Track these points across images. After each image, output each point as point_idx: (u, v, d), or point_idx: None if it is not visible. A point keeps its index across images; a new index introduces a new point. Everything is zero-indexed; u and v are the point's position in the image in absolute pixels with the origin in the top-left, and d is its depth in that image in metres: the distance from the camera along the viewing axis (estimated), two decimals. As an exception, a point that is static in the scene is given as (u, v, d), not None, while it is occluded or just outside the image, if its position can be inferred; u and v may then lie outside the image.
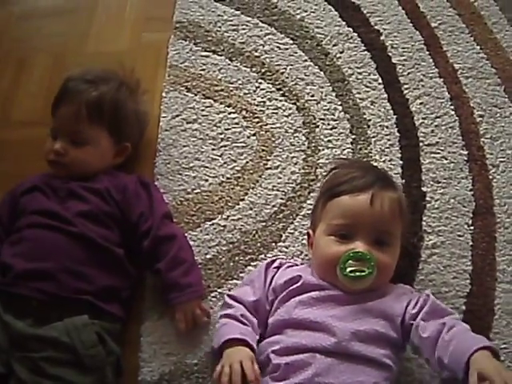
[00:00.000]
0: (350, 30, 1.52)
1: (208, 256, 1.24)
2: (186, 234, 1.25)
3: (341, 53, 1.49)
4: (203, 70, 1.49)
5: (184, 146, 1.38)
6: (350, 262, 1.00)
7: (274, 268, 1.13)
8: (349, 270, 0.99)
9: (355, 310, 0.99)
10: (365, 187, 1.06)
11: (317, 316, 0.98)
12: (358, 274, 0.99)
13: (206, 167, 1.35)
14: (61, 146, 1.25)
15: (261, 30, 1.54)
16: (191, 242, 1.24)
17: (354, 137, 1.36)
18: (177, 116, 1.42)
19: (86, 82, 1.28)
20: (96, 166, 1.27)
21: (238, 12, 1.58)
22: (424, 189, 1.29)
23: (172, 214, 1.27)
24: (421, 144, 1.35)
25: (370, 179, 1.07)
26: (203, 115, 1.42)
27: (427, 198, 1.28)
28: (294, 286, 1.05)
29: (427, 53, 1.48)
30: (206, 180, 1.33)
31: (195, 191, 1.32)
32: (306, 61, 1.48)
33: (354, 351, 0.94)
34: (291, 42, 1.52)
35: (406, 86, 1.43)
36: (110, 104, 1.27)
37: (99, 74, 1.31)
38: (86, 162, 1.26)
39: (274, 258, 1.18)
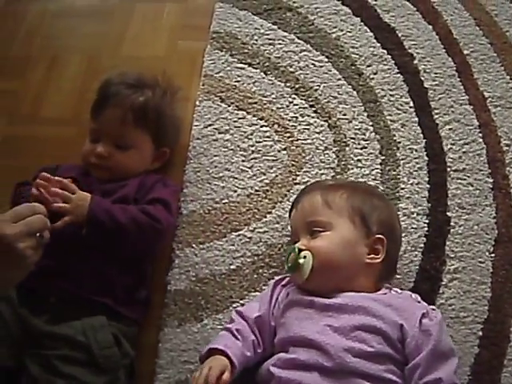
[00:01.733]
0: (385, 52, 1.53)
1: (232, 267, 1.25)
2: (210, 244, 1.27)
3: (374, 74, 1.50)
4: (238, 81, 1.50)
5: (215, 156, 1.39)
6: (288, 259, 1.08)
7: (282, 286, 1.15)
8: (288, 265, 1.08)
9: (348, 322, 0.99)
10: (296, 202, 1.19)
11: (310, 333, 0.99)
12: (290, 264, 1.07)
13: (236, 178, 1.36)
14: (105, 150, 1.26)
15: (296, 46, 1.55)
16: (216, 252, 1.27)
17: (383, 158, 1.37)
18: (209, 125, 1.43)
19: (129, 87, 1.29)
20: (136, 170, 1.28)
21: (274, 26, 1.59)
22: (449, 214, 1.29)
23: (198, 221, 1.30)
24: (448, 169, 1.36)
25: (300, 195, 1.21)
26: (235, 126, 1.43)
27: (451, 223, 1.28)
28: (286, 301, 1.09)
29: (458, 79, 1.49)
30: (235, 191, 1.34)
31: (223, 201, 1.33)
32: (339, 79, 1.49)
33: (351, 367, 0.94)
34: (326, 59, 1.53)
35: (436, 111, 1.44)
36: (155, 110, 1.29)
37: (141, 79, 1.32)
38: (128, 166, 1.27)
39: (284, 275, 1.18)
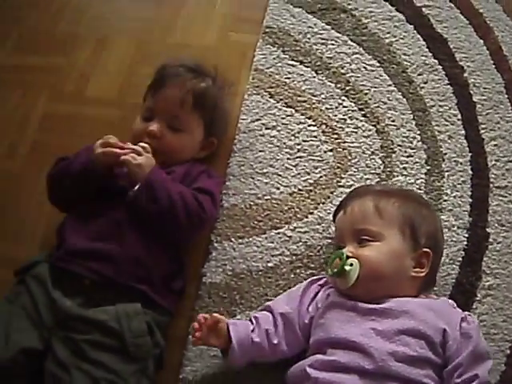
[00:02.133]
0: (436, 62, 1.51)
1: (269, 264, 1.24)
2: (249, 239, 1.26)
3: (424, 83, 1.48)
4: (288, 78, 1.48)
5: (260, 151, 1.38)
6: (333, 263, 1.06)
7: (319, 285, 1.14)
8: (332, 270, 1.06)
9: (392, 326, 0.99)
10: (344, 204, 1.16)
11: (353, 335, 0.98)
12: (335, 270, 1.04)
13: (280, 175, 1.35)
14: (158, 129, 1.24)
15: (349, 48, 1.54)
16: (254, 248, 1.26)
17: (428, 168, 1.36)
18: (256, 120, 1.42)
19: (190, 71, 1.29)
20: (184, 156, 1.27)
21: (328, 27, 1.57)
22: (488, 230, 1.28)
23: (239, 215, 1.30)
24: (491, 185, 1.34)
25: (348, 197, 1.18)
26: (283, 123, 1.42)
27: (490, 240, 1.27)
28: (327, 302, 1.08)
29: (506, 96, 1.47)
30: (278, 188, 1.33)
31: (265, 197, 1.32)
32: (390, 85, 1.48)
33: (393, 371, 0.94)
34: (378, 64, 1.51)
35: (483, 126, 1.42)
36: (213, 99, 1.29)
37: (200, 66, 1.32)
38: (177, 150, 1.26)
39: (321, 276, 1.18)
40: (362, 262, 1.03)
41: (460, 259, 1.25)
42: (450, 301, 1.09)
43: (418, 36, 1.56)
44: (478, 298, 1.20)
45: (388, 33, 1.57)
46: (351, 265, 1.03)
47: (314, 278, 1.17)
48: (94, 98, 1.52)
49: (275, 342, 1.06)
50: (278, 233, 1.27)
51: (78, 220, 1.17)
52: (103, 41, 1.62)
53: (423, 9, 1.61)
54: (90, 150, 1.17)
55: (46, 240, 1.31)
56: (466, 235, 1.28)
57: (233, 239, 1.27)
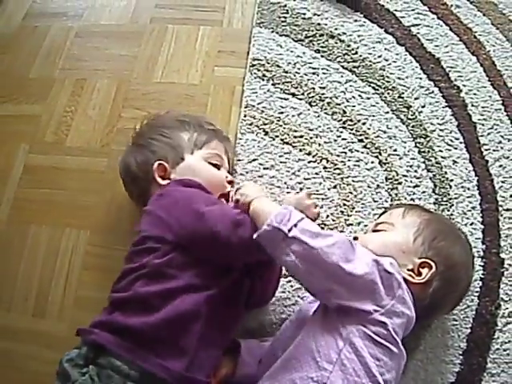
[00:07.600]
0: (431, 83, 1.47)
1: (283, 316, 1.17)
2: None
3: (422, 107, 1.43)
4: (281, 113, 1.42)
5: (260, 193, 1.30)
6: None
7: None
8: None
9: None
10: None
11: None
12: None
13: (284, 217, 1.27)
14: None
15: (341, 76, 1.48)
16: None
17: (436, 197, 1.31)
18: (253, 160, 1.35)
19: None
20: None
21: (317, 54, 1.51)
22: (502, 255, 1.24)
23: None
24: (500, 208, 1.30)
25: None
26: (281, 162, 1.35)
27: (505, 265, 1.23)
28: None
29: (505, 113, 1.43)
30: (283, 231, 1.25)
31: (270, 243, 1.24)
32: (387, 112, 1.42)
33: None
34: (373, 91, 1.45)
35: (485, 147, 1.38)
36: None
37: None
38: None
39: None
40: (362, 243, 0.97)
41: (478, 289, 1.21)
42: None
43: (410, 58, 1.51)
44: (498, 327, 1.17)
45: (379, 56, 1.51)
46: None
47: None
48: (77, 147, 1.42)
49: None
50: (289, 281, 1.20)
51: None
52: (81, 84, 1.52)
53: (412, 28, 1.56)
54: None
55: (39, 305, 1.24)
56: (482, 264, 1.23)
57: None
